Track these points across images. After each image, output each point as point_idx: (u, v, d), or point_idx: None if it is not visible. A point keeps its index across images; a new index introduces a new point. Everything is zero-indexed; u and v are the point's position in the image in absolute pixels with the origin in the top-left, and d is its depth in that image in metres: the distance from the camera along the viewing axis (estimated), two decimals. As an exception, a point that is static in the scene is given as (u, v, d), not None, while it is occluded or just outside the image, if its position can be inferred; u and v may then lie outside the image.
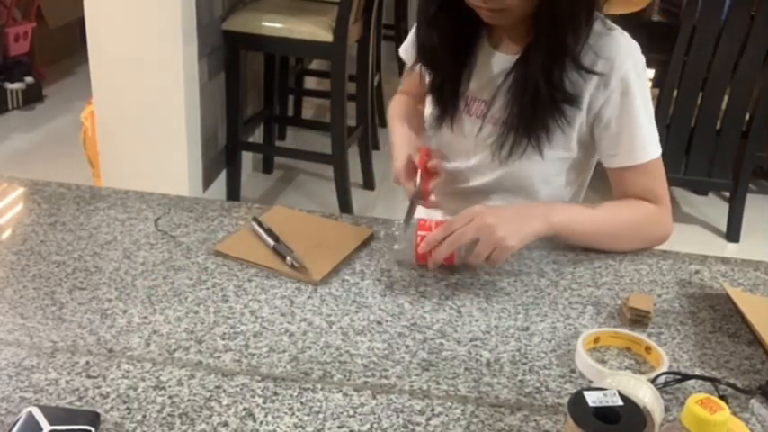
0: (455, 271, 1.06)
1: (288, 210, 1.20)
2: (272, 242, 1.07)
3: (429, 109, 1.28)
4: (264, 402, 0.79)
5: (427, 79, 1.27)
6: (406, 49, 1.33)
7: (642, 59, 1.14)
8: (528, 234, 1.05)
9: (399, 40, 4.36)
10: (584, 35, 1.10)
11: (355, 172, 3.02)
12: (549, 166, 1.19)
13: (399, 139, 1.28)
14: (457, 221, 1.02)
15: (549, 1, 1.06)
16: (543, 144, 1.15)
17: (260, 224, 1.11)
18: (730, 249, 2.87)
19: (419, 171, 1.17)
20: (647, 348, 0.90)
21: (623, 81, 1.11)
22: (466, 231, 1.01)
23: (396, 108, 1.39)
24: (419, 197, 1.16)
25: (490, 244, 1.00)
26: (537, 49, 1.11)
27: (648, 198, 1.15)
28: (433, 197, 1.19)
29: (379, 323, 0.93)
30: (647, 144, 1.14)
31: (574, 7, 1.06)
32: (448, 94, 1.23)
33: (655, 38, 2.78)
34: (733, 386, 0.85)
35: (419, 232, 1.04)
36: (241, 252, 1.06)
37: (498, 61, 1.19)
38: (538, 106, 1.12)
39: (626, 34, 1.14)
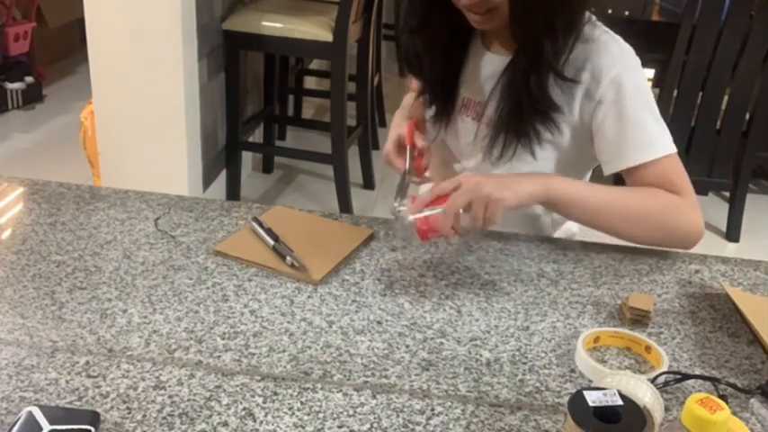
0: (455, 271, 1.06)
1: (288, 210, 1.20)
2: (272, 242, 1.07)
3: (428, 112, 1.28)
4: (264, 402, 0.79)
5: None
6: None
7: (636, 62, 1.11)
8: (520, 191, 1.01)
9: (399, 39, 4.36)
10: (565, 45, 1.08)
11: (355, 172, 3.03)
12: (543, 167, 1.18)
13: (394, 123, 1.29)
14: (444, 185, 0.99)
15: (522, 9, 1.04)
16: (534, 145, 1.14)
17: (260, 224, 1.11)
18: (730, 249, 2.87)
19: (408, 147, 1.17)
20: (647, 348, 0.90)
21: (613, 84, 1.09)
22: (458, 197, 0.97)
23: (404, 102, 1.41)
24: (411, 173, 1.16)
25: (482, 201, 0.97)
26: (521, 57, 1.10)
27: (668, 190, 1.10)
28: (427, 173, 1.18)
29: (379, 323, 0.93)
30: (653, 142, 1.11)
31: (549, 16, 1.05)
32: (441, 97, 1.24)
33: (655, 38, 2.79)
34: (733, 386, 0.85)
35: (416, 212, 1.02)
36: (241, 252, 1.06)
37: (491, 62, 1.19)
38: (524, 113, 1.12)
39: (618, 38, 1.12)
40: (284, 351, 0.87)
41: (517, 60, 1.12)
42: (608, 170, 1.15)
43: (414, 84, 1.44)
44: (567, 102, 1.12)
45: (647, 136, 1.11)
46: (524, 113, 1.12)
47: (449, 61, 1.22)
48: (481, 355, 0.88)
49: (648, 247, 1.15)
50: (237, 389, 0.80)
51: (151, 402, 0.78)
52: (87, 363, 0.83)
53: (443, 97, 1.24)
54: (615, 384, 0.75)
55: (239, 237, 1.10)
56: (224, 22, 2.63)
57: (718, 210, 3.06)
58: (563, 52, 1.08)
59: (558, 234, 1.30)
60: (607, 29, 1.13)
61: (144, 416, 0.76)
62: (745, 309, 0.99)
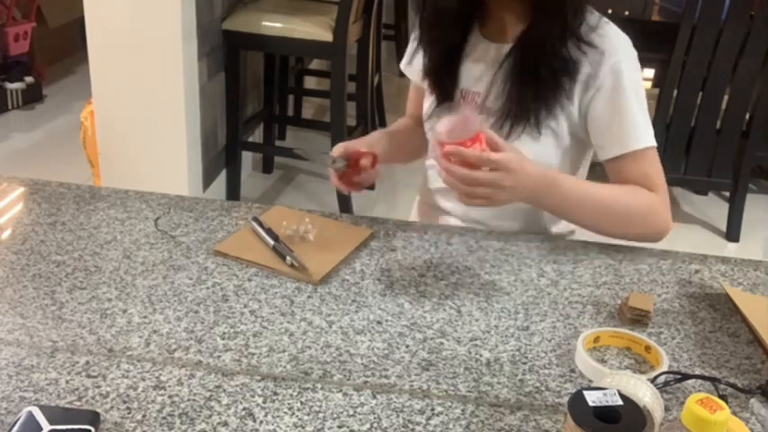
0: (455, 271, 1.06)
1: (288, 209, 1.20)
2: (272, 242, 1.07)
3: (427, 103, 1.29)
4: (264, 402, 0.79)
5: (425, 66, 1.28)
6: (407, 63, 1.35)
7: (633, 52, 1.15)
8: (512, 200, 1.05)
9: (399, 40, 4.36)
10: (583, 7, 1.12)
11: (355, 172, 3.02)
12: (543, 151, 1.18)
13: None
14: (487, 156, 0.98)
15: None
16: (542, 122, 1.15)
17: (260, 224, 1.11)
18: (730, 249, 2.87)
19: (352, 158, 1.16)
20: (647, 348, 0.90)
21: (613, 71, 1.13)
22: (483, 184, 0.98)
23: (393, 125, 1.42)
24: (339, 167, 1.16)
25: (482, 199, 1.00)
26: (538, 23, 1.13)
27: (646, 185, 1.15)
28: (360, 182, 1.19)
29: (379, 323, 0.93)
30: (641, 132, 1.14)
31: None
32: (446, 77, 1.24)
33: (655, 38, 2.79)
34: (733, 386, 0.85)
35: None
36: (241, 252, 1.06)
37: (492, 51, 1.21)
38: (539, 83, 1.13)
39: (616, 28, 1.16)
40: (284, 351, 0.87)
41: (526, 37, 1.14)
42: (601, 156, 1.19)
43: (408, 109, 1.43)
44: (577, 65, 1.14)
45: (635, 127, 1.15)
46: (539, 87, 1.13)
47: (451, 36, 1.23)
48: (481, 355, 0.88)
49: (648, 246, 1.16)
50: (237, 389, 0.80)
51: (151, 402, 0.78)
52: (87, 363, 0.83)
53: (448, 76, 1.24)
54: (615, 384, 0.75)
55: (239, 237, 1.10)
56: (224, 22, 2.63)
57: (719, 210, 3.06)
58: (582, 12, 1.12)
59: (556, 228, 1.30)
60: (607, 20, 1.16)
61: (144, 416, 0.76)
62: (745, 309, 0.99)
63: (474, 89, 1.23)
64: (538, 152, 1.18)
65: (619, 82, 1.13)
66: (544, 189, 1.07)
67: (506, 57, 1.17)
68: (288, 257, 1.03)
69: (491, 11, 1.22)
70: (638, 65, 1.16)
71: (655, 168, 1.16)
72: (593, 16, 1.15)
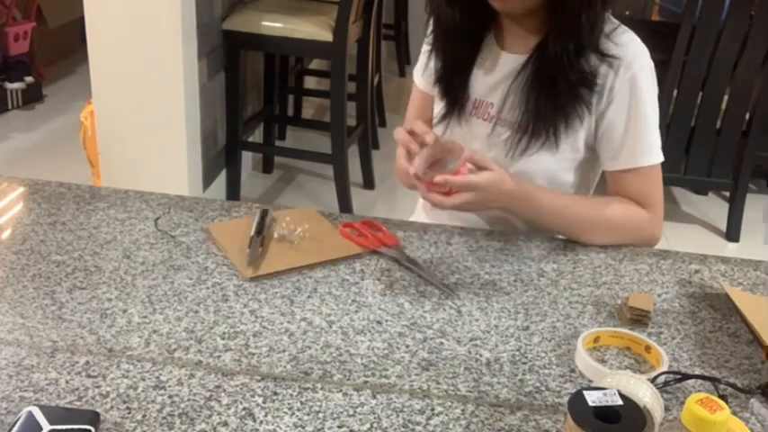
0: (455, 271, 1.06)
1: (315, 213, 1.18)
2: (252, 233, 1.07)
3: (437, 108, 1.27)
4: (264, 402, 0.79)
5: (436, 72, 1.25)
6: (421, 73, 1.32)
7: (651, 63, 1.13)
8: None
9: (399, 40, 4.35)
10: (599, 19, 1.09)
11: (355, 172, 3.02)
12: (558, 166, 1.18)
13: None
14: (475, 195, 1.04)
15: None
16: (560, 135, 1.14)
17: (262, 216, 1.11)
18: (730, 249, 2.87)
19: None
20: (647, 348, 0.90)
21: (631, 81, 1.11)
22: (468, 203, 1.04)
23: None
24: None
25: (454, 206, 1.05)
26: (553, 38, 1.10)
27: (641, 202, 1.15)
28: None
29: (379, 323, 0.93)
30: (651, 148, 1.14)
31: None
32: (459, 86, 1.22)
33: (655, 38, 2.78)
34: (733, 386, 0.85)
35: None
36: (222, 236, 1.08)
37: (507, 62, 1.19)
38: (558, 95, 1.12)
39: (636, 37, 1.14)
40: (284, 351, 0.87)
41: (543, 48, 1.12)
42: (606, 166, 1.18)
43: (410, 114, 1.40)
44: (595, 77, 1.12)
45: (647, 143, 1.14)
46: (558, 97, 1.12)
47: (470, 41, 1.21)
48: (481, 355, 0.88)
49: (648, 247, 1.16)
50: (237, 389, 0.80)
51: (151, 402, 0.78)
52: (87, 363, 0.83)
53: (459, 85, 1.22)
54: (615, 384, 0.75)
55: (235, 223, 1.12)
56: (224, 22, 2.63)
57: (719, 210, 3.06)
58: (597, 26, 1.10)
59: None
60: (626, 27, 1.14)
61: (144, 416, 0.76)
62: (745, 309, 0.99)
63: (488, 100, 1.21)
64: (553, 167, 1.17)
65: (635, 93, 1.11)
66: (518, 205, 1.12)
67: (522, 68, 1.15)
68: (248, 249, 1.04)
69: (503, 24, 1.20)
70: (655, 76, 1.14)
71: (655, 185, 1.16)
72: (610, 23, 1.13)
